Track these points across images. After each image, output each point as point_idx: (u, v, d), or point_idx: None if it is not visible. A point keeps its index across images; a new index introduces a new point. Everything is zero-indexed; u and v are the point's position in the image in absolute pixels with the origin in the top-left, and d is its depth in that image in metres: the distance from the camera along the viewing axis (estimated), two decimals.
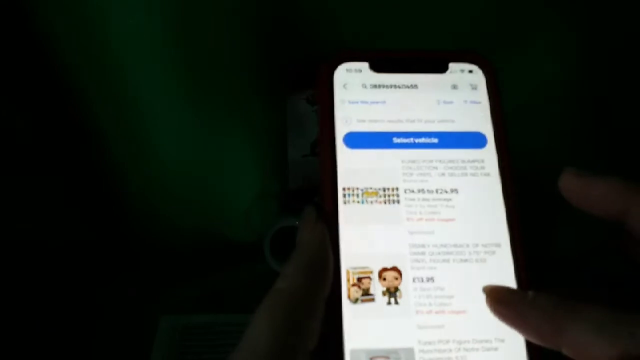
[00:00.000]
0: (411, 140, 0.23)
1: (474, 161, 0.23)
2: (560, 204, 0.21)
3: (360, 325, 0.20)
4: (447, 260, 0.21)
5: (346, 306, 0.20)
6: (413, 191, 0.22)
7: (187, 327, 0.44)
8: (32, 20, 0.37)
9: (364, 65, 0.24)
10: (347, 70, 0.24)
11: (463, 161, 0.23)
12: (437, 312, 0.20)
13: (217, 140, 0.44)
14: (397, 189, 0.22)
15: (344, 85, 0.24)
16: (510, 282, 0.21)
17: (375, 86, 0.24)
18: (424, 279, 0.21)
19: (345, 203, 0.22)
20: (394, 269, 0.21)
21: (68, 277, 0.46)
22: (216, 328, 0.42)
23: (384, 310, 0.20)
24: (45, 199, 0.44)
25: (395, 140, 0.23)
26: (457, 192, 0.22)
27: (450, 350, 0.20)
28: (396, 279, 0.21)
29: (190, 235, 0.48)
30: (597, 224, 0.20)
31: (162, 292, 0.46)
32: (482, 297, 0.20)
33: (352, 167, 0.22)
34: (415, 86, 0.24)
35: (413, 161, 0.23)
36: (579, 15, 0.39)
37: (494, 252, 0.21)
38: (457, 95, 0.24)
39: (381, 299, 0.20)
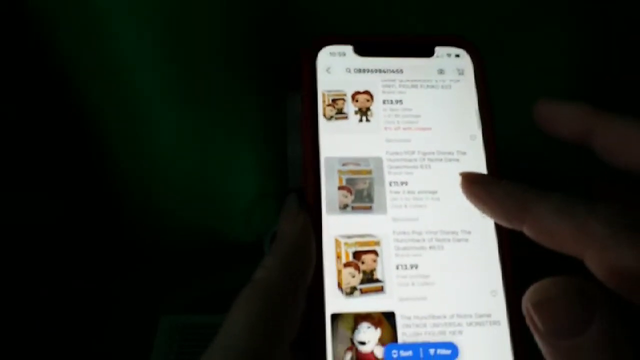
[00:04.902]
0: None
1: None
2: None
3: (334, 138, 0.22)
4: (416, 86, 0.23)
5: (322, 123, 0.22)
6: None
7: (187, 327, 0.44)
8: (33, 20, 0.37)
9: (348, 49, 0.23)
10: (331, 53, 0.23)
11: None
12: (404, 129, 0.23)
13: (217, 140, 0.44)
14: None
15: (327, 69, 0.23)
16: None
17: (359, 70, 0.23)
18: (394, 101, 0.23)
19: None
20: (366, 92, 0.23)
21: (68, 277, 0.46)
22: (216, 328, 0.42)
23: (355, 126, 0.22)
24: (44, 199, 0.45)
25: None
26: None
27: (416, 160, 0.22)
28: (368, 100, 0.23)
29: (190, 236, 0.48)
30: None
31: (162, 292, 0.46)
32: (448, 117, 0.23)
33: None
34: (400, 71, 0.23)
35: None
36: (577, 9, 0.39)
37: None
38: (444, 80, 0.24)
39: (354, 117, 0.23)
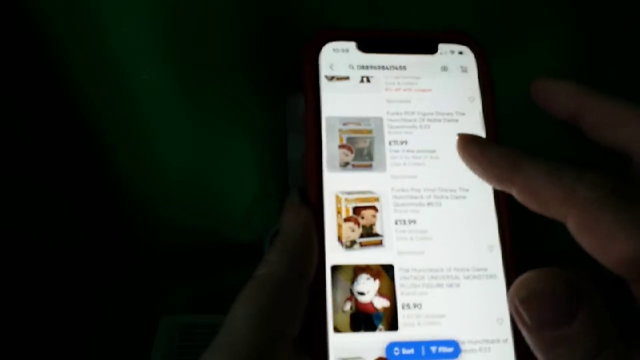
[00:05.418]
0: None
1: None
2: None
3: (336, 98, 0.22)
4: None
5: (323, 83, 0.22)
6: None
7: (187, 327, 0.44)
8: (33, 20, 0.37)
9: (351, 45, 0.23)
10: (334, 49, 0.23)
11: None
12: (404, 90, 0.23)
13: (217, 140, 0.44)
14: None
15: (331, 66, 0.23)
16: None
17: (362, 67, 0.23)
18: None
19: None
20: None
21: (68, 277, 0.46)
22: (216, 328, 0.42)
23: (357, 87, 0.23)
24: (44, 200, 0.45)
25: None
26: None
27: (416, 120, 0.23)
28: None
29: (190, 236, 0.48)
30: None
31: (162, 292, 0.46)
32: (448, 79, 0.23)
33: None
34: (404, 67, 0.23)
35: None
36: (579, 12, 0.39)
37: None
38: (447, 77, 0.24)
39: (355, 78, 0.23)
